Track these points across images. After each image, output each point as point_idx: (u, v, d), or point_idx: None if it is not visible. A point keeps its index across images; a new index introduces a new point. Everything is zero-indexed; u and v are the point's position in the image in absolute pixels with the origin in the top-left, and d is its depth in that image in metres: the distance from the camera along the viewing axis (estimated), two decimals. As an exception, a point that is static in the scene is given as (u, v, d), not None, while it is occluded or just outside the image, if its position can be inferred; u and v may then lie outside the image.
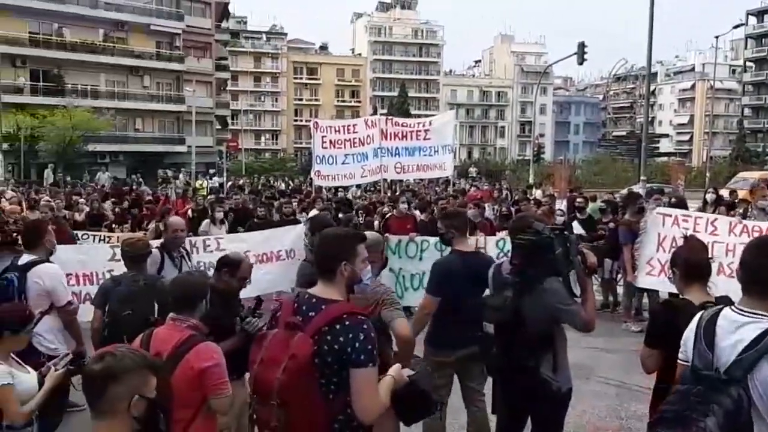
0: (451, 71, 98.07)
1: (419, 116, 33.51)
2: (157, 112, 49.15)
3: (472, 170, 53.16)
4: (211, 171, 43.05)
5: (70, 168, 35.58)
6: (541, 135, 78.75)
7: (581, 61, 32.84)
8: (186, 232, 6.56)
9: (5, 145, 34.51)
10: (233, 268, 4.57)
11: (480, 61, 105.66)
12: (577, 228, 10.08)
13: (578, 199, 12.46)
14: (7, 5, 36.92)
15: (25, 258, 5.01)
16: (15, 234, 5.68)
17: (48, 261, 5.12)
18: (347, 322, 2.70)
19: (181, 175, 35.39)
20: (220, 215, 11.14)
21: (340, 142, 13.58)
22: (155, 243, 6.08)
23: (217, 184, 32.36)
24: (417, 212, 11.59)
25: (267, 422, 2.67)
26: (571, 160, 41.56)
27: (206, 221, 10.96)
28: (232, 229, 10.92)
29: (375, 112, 58.89)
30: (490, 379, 4.23)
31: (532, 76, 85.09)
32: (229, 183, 32.93)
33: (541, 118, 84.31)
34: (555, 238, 3.82)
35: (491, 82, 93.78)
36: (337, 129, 13.96)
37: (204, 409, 3.18)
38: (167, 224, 6.33)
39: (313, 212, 12.46)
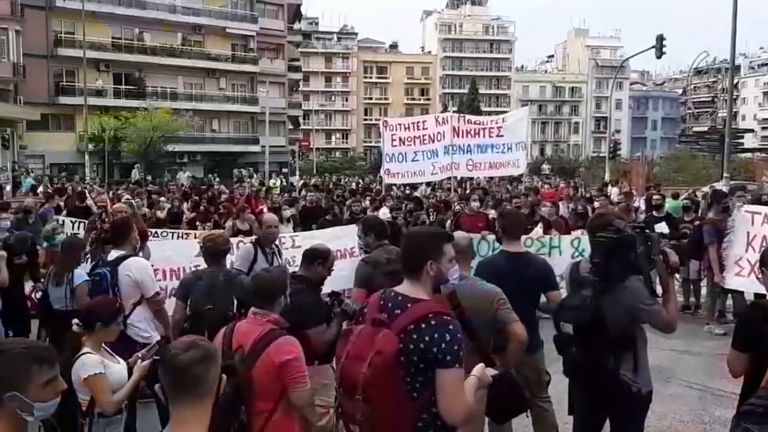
0: (522, 67, 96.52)
1: (490, 113, 33.05)
2: (232, 113, 50.36)
3: (545, 167, 52.37)
4: (284, 170, 43.82)
5: (151, 168, 36.95)
6: (617, 131, 76.62)
7: (660, 54, 31.65)
8: (279, 228, 6.81)
9: (90, 146, 36.12)
10: (324, 259, 4.78)
11: (553, 56, 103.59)
12: (662, 227, 9.77)
13: (655, 197, 12.06)
14: (91, 12, 38.59)
15: (114, 254, 5.26)
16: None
17: (135, 255, 5.36)
18: (433, 322, 2.68)
19: (256, 174, 36.20)
20: (287, 213, 11.37)
21: (409, 139, 13.54)
22: (234, 240, 6.30)
23: (296, 183, 32.95)
24: (491, 210, 11.49)
25: (352, 416, 2.70)
26: (648, 157, 40.20)
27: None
28: (305, 227, 11.11)
29: (445, 110, 58.78)
30: (565, 379, 4.15)
31: (608, 70, 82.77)
32: (300, 182, 33.42)
33: (617, 113, 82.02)
34: (636, 236, 3.73)
35: (564, 78, 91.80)
36: (406, 126, 13.91)
37: (284, 401, 3.25)
38: (262, 220, 6.66)
39: (383, 210, 12.56)
